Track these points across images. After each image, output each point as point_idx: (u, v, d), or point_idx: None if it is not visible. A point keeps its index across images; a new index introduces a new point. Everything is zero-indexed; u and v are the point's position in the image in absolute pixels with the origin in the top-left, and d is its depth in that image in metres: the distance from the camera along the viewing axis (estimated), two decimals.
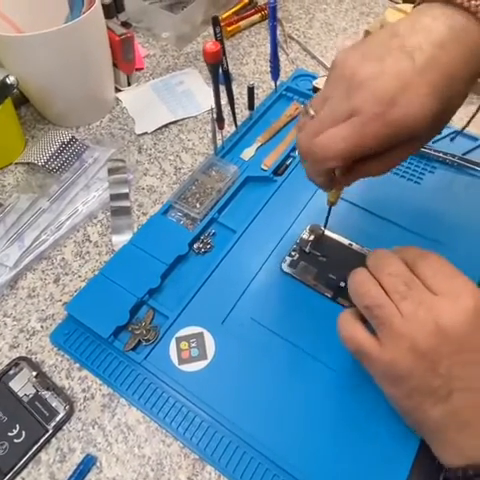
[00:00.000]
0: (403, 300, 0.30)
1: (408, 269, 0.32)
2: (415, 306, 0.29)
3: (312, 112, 0.31)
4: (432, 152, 0.52)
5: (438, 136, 0.54)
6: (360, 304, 0.32)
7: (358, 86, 0.27)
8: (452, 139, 0.53)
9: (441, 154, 0.51)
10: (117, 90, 0.63)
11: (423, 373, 0.29)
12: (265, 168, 0.52)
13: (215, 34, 0.47)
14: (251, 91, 0.54)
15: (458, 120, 0.47)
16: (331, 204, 0.40)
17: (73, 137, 0.53)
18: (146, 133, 0.58)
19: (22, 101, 0.60)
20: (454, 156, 0.51)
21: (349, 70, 0.28)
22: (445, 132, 0.54)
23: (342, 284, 0.42)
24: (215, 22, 0.46)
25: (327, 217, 0.43)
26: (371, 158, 0.31)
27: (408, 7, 0.67)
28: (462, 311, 0.29)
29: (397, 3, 0.73)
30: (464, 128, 0.48)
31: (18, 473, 0.34)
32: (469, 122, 0.45)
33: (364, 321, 0.32)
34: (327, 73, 0.64)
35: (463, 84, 0.28)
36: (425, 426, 0.31)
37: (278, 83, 0.59)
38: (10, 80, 0.48)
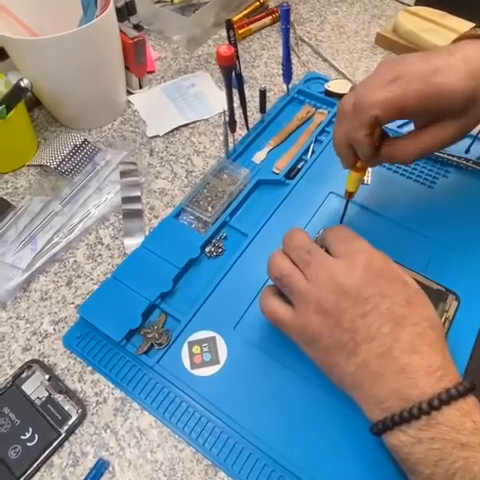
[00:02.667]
0: (307, 266, 0.33)
1: (311, 240, 0.35)
2: (316, 269, 0.33)
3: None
4: (446, 156, 0.51)
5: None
6: (272, 277, 0.36)
7: (404, 59, 0.32)
8: (469, 148, 0.53)
9: (455, 158, 0.51)
10: (129, 93, 0.63)
11: (331, 330, 0.32)
12: (277, 171, 0.52)
13: (229, 37, 0.47)
14: (263, 94, 0.54)
15: None
16: (349, 195, 0.39)
17: (85, 140, 0.53)
18: (158, 136, 0.58)
19: (35, 103, 0.61)
20: (468, 160, 0.51)
21: (394, 57, 0.35)
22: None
23: None
24: (229, 25, 0.46)
25: (344, 212, 0.42)
26: (401, 139, 0.34)
27: (420, 10, 0.67)
28: (355, 267, 0.32)
29: (409, 5, 0.73)
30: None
31: (31, 477, 0.34)
32: None
33: (283, 295, 0.36)
34: (339, 76, 0.64)
35: None
36: (346, 383, 0.33)
37: (290, 86, 0.59)
38: (24, 83, 0.48)
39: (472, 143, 0.51)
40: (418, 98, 0.31)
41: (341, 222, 0.44)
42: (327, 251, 0.35)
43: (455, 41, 0.35)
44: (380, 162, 0.37)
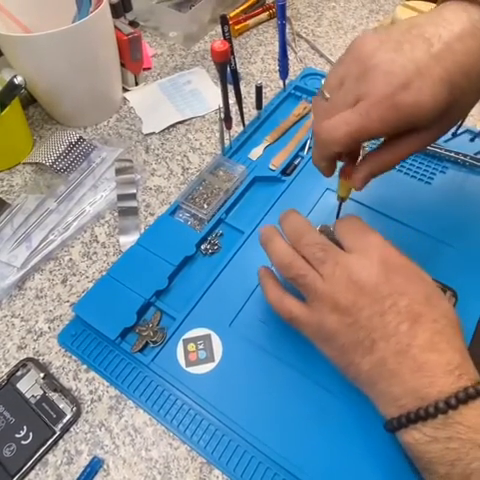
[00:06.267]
0: (322, 264, 0.33)
1: (322, 236, 0.35)
2: (332, 267, 0.32)
3: (327, 95, 0.31)
4: (443, 152, 0.51)
5: (451, 134, 0.53)
6: (286, 276, 0.35)
7: (371, 69, 0.28)
8: (472, 140, 0.52)
9: (453, 154, 0.50)
10: (124, 90, 0.62)
11: (347, 328, 0.31)
12: (273, 168, 0.52)
13: (223, 33, 0.47)
14: (259, 90, 0.54)
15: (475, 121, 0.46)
16: (341, 200, 0.39)
17: (81, 137, 0.53)
18: (153, 133, 0.57)
19: (30, 101, 0.60)
20: (466, 156, 0.50)
21: (365, 53, 0.28)
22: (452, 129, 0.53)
23: None
24: (223, 21, 0.46)
25: (338, 214, 0.42)
26: (379, 149, 0.32)
27: (418, 4, 0.66)
28: (371, 264, 0.31)
29: (407, 0, 0.72)
30: None
31: (25, 475, 0.34)
32: None
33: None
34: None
35: (478, 79, 0.28)
36: (361, 381, 0.32)
37: (286, 82, 0.59)
38: (18, 80, 0.48)
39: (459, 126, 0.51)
40: (382, 124, 0.28)
41: None
42: (337, 244, 0.34)
43: (440, 2, 0.30)
44: (366, 174, 0.34)
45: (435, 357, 0.29)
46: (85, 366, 0.39)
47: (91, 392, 0.38)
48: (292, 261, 0.34)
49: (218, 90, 0.61)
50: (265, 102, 0.58)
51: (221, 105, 0.49)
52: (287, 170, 0.52)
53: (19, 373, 0.38)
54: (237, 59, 0.53)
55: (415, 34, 0.28)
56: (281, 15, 0.51)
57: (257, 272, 0.39)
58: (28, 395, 0.37)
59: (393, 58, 0.27)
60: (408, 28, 0.28)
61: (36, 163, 0.54)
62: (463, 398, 0.27)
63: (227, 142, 0.53)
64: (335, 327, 0.32)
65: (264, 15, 0.71)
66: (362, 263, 0.32)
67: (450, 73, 0.27)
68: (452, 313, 0.32)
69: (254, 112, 0.58)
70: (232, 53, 0.48)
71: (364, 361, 0.31)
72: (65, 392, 0.37)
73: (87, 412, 0.37)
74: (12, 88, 0.48)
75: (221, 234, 0.47)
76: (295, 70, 0.64)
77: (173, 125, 0.58)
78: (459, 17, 0.28)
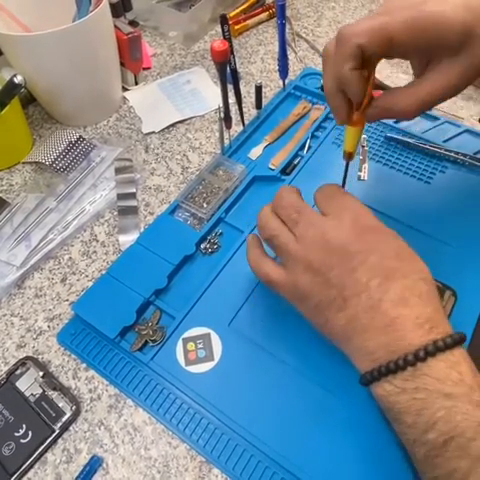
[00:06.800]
0: (296, 225, 0.34)
1: (300, 199, 0.36)
2: (306, 228, 0.33)
3: None
4: (443, 151, 0.51)
5: (450, 134, 0.53)
6: (263, 237, 0.36)
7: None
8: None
9: (452, 153, 0.51)
10: (124, 89, 0.63)
11: (320, 287, 0.32)
12: (273, 167, 0.52)
13: (223, 32, 0.47)
14: (259, 90, 0.54)
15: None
16: (348, 156, 0.37)
17: (80, 136, 0.53)
18: (153, 132, 0.57)
19: (30, 100, 0.60)
20: (465, 155, 0.50)
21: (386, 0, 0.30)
22: (456, 129, 0.53)
23: None
24: (223, 20, 0.46)
25: (345, 176, 0.39)
26: (399, 90, 0.31)
27: None
28: (342, 224, 0.32)
29: None
30: None
31: (24, 474, 0.34)
32: None
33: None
34: None
35: None
36: (337, 337, 0.33)
37: (286, 82, 0.59)
38: (18, 79, 0.48)
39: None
40: (405, 25, 0.28)
41: (343, 187, 0.40)
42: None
43: None
44: (378, 117, 0.33)
45: (406, 311, 0.30)
46: (84, 365, 0.39)
47: (90, 391, 0.38)
48: (267, 222, 0.35)
49: (218, 90, 0.61)
50: (265, 102, 0.58)
51: (221, 105, 0.49)
52: (287, 169, 0.52)
53: (18, 372, 0.38)
54: (237, 59, 0.53)
55: None
56: (281, 15, 0.51)
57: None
58: (27, 394, 0.37)
59: None
60: None
61: (36, 162, 0.54)
62: (432, 351, 0.27)
63: (227, 141, 0.53)
64: (308, 286, 0.33)
65: (264, 15, 0.71)
66: (333, 223, 0.33)
67: (471, 7, 0.28)
68: (425, 269, 0.32)
69: (254, 112, 0.58)
70: (232, 53, 0.48)
71: (338, 317, 0.32)
72: (64, 391, 0.37)
73: (86, 411, 0.37)
74: (12, 87, 0.48)
75: (221, 233, 0.47)
76: (295, 70, 0.64)
77: (173, 124, 0.58)
78: None
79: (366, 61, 0.29)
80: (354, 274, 0.31)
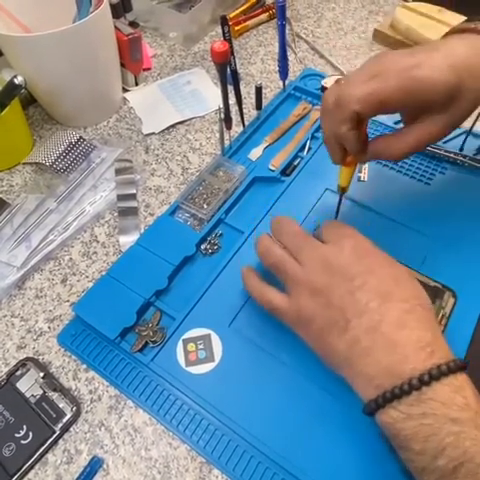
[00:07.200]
0: (299, 252, 0.35)
1: (300, 227, 0.38)
2: (310, 254, 0.35)
3: (343, 81, 0.34)
4: (442, 152, 0.51)
5: (450, 135, 0.53)
6: (267, 264, 0.37)
7: (386, 56, 0.33)
8: (464, 141, 0.52)
9: (452, 154, 0.51)
10: (124, 90, 0.63)
11: (322, 309, 0.33)
12: (273, 168, 0.52)
13: (223, 33, 0.47)
14: (259, 91, 0.54)
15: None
16: (342, 190, 0.40)
17: (81, 137, 0.53)
18: (153, 133, 0.57)
19: (30, 101, 0.60)
20: (465, 156, 0.50)
21: (379, 56, 0.33)
22: (456, 130, 0.53)
23: None
24: (223, 21, 0.46)
25: (338, 207, 0.42)
26: (389, 137, 0.35)
27: (418, 5, 0.66)
28: (343, 249, 0.34)
29: (407, 1, 0.73)
30: (471, 128, 0.49)
31: (25, 474, 0.34)
32: (475, 122, 0.47)
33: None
34: (336, 72, 0.64)
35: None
36: (339, 363, 0.33)
37: (286, 83, 0.59)
38: (18, 80, 0.48)
39: (465, 139, 0.51)
40: (398, 91, 0.31)
41: (336, 218, 0.44)
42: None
43: (444, 36, 0.36)
44: (370, 160, 0.37)
45: (406, 334, 0.30)
46: (85, 366, 0.39)
47: (91, 392, 0.38)
48: (270, 248, 0.37)
49: (218, 90, 0.62)
50: (265, 102, 0.58)
51: (221, 105, 0.49)
52: (287, 170, 0.52)
53: (19, 373, 0.38)
54: (237, 60, 0.53)
55: (421, 48, 0.33)
56: (281, 16, 0.51)
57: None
58: (28, 395, 0.37)
59: (405, 53, 0.33)
60: (413, 47, 0.34)
61: (36, 163, 0.54)
62: (436, 375, 0.27)
63: (227, 142, 0.53)
64: (312, 310, 0.34)
65: (264, 16, 0.72)
66: (335, 249, 0.34)
67: (456, 66, 0.31)
68: (423, 295, 0.33)
69: (254, 112, 0.58)
70: (232, 54, 0.48)
71: (340, 341, 0.32)
72: (65, 392, 0.37)
73: (87, 412, 0.37)
74: (12, 88, 0.48)
75: (221, 234, 0.47)
76: (295, 71, 0.64)
77: (173, 125, 0.58)
78: (457, 39, 0.33)
79: (361, 120, 0.33)
80: (355, 295, 0.32)
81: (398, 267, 0.34)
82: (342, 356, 0.32)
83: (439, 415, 0.27)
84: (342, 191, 0.40)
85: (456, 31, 0.35)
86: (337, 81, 0.34)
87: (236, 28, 0.69)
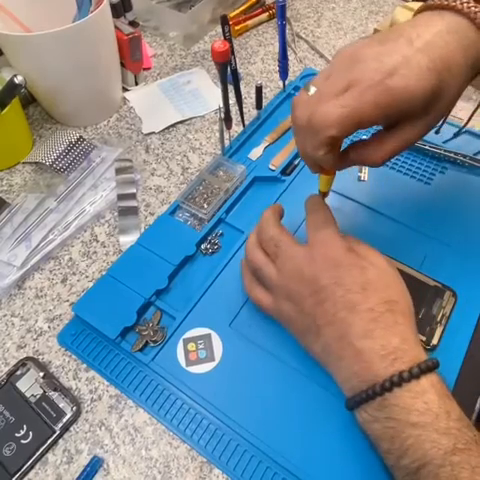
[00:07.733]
0: (277, 258, 0.37)
1: (279, 230, 0.38)
2: (284, 262, 0.36)
3: (312, 89, 0.31)
4: (442, 152, 0.51)
5: (450, 134, 0.53)
6: (250, 268, 0.40)
7: (358, 61, 0.29)
8: (456, 135, 0.53)
9: (452, 154, 0.51)
10: (124, 90, 0.63)
11: (298, 315, 0.35)
12: (273, 168, 0.52)
13: (224, 33, 0.47)
14: (259, 90, 0.54)
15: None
16: (323, 195, 0.40)
17: (81, 137, 0.53)
18: (153, 133, 0.57)
19: (30, 101, 0.60)
20: (465, 156, 0.50)
21: (350, 52, 0.30)
22: (456, 130, 0.53)
23: None
24: (224, 21, 0.46)
25: None
26: (367, 144, 0.33)
27: (417, 5, 0.66)
28: (314, 259, 0.35)
29: (406, 1, 0.73)
30: (466, 124, 0.50)
31: (25, 474, 0.34)
32: (470, 117, 0.48)
33: None
34: None
35: (460, 71, 0.29)
36: (320, 361, 0.36)
37: (286, 82, 0.59)
38: (18, 80, 0.48)
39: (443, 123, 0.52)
40: (375, 108, 0.28)
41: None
42: None
43: (419, 12, 0.32)
44: (349, 166, 0.35)
45: (370, 343, 0.31)
46: (85, 365, 0.39)
47: (91, 391, 0.38)
48: (252, 253, 0.39)
49: (218, 90, 0.62)
50: (265, 102, 0.58)
51: (221, 105, 0.49)
52: (287, 170, 0.52)
53: (19, 372, 0.38)
54: (237, 59, 0.53)
55: (395, 35, 0.30)
56: (281, 16, 0.51)
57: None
58: (28, 394, 0.37)
59: (379, 51, 0.29)
60: (387, 33, 0.30)
61: (36, 162, 0.54)
62: (397, 381, 0.29)
63: (227, 142, 0.53)
64: (289, 314, 0.36)
65: (264, 16, 0.72)
66: (308, 257, 0.35)
67: (433, 62, 0.28)
68: (396, 298, 0.33)
69: (254, 112, 0.58)
70: (232, 53, 0.48)
71: (316, 344, 0.35)
72: (65, 391, 0.37)
73: (87, 411, 0.37)
74: (12, 87, 0.48)
75: (221, 234, 0.47)
76: (295, 71, 0.64)
77: (173, 125, 0.58)
78: (434, 20, 0.30)
79: (336, 140, 0.31)
80: (323, 306, 0.33)
81: (370, 271, 0.34)
82: (320, 356, 0.35)
83: (400, 420, 0.29)
84: (323, 196, 0.40)
85: (428, 7, 0.31)
86: (306, 88, 0.31)
87: (236, 28, 0.69)
